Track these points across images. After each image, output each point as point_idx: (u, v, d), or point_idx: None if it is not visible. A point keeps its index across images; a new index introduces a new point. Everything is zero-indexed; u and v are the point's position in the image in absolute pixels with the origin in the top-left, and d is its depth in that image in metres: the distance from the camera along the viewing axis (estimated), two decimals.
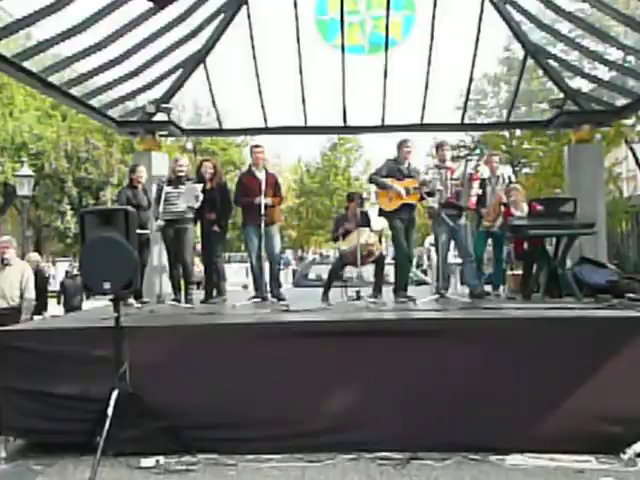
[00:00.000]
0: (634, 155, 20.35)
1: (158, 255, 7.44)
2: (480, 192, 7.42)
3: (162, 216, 7.07)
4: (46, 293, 10.50)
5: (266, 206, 7.17)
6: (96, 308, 7.30)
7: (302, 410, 4.75)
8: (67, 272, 13.86)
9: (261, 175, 7.36)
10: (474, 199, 7.24)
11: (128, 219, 4.74)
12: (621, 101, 10.22)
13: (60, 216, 26.50)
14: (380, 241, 7.33)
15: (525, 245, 7.23)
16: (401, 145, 7.24)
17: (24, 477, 4.39)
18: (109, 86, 9.66)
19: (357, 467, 4.45)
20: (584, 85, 11.10)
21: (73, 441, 4.65)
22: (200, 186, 7.22)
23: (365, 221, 7.33)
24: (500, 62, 26.28)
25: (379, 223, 7.39)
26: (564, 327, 4.96)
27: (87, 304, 12.16)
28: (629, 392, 4.69)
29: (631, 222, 26.08)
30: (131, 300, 7.00)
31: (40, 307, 9.78)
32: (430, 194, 6.99)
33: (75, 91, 9.01)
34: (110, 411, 4.33)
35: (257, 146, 7.66)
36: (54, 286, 12.42)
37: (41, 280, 10.26)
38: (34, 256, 10.33)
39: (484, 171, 7.69)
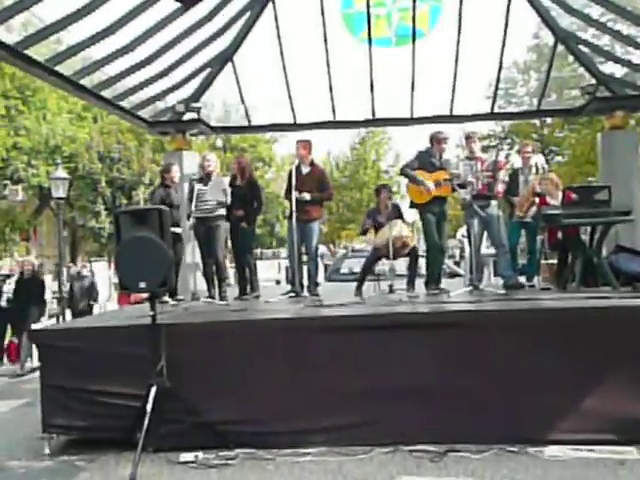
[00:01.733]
0: None
1: (191, 253, 7.51)
2: (507, 179, 7.34)
3: (194, 213, 7.15)
4: (42, 298, 10.70)
5: (305, 201, 7.16)
6: (133, 307, 7.40)
7: (338, 404, 4.76)
8: (72, 274, 14.02)
9: (306, 169, 7.37)
10: (501, 187, 7.17)
11: (162, 218, 4.81)
12: None
13: (94, 216, 26.91)
14: (413, 233, 7.31)
15: (559, 234, 7.14)
16: (434, 137, 7.18)
17: (67, 473, 4.48)
18: (139, 87, 9.79)
19: (394, 460, 4.45)
20: (617, 70, 10.92)
21: (114, 437, 4.74)
22: (226, 180, 7.27)
23: (397, 213, 7.32)
24: (529, 50, 26.00)
25: (410, 215, 7.39)
26: (602, 316, 4.89)
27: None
28: None
29: None
30: (166, 298, 7.08)
31: (34, 314, 10.00)
32: (462, 186, 6.94)
33: (106, 93, 9.15)
34: (149, 407, 4.40)
35: (300, 141, 7.60)
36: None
37: (35, 285, 10.53)
38: (29, 260, 10.64)
39: (515, 161, 7.63)
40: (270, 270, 19.85)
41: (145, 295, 9.94)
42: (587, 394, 4.64)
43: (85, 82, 8.63)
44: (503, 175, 7.20)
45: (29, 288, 10.34)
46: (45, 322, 10.44)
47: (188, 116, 10.31)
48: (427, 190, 6.92)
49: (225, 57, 10.27)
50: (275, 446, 4.68)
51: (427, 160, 7.12)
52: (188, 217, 7.29)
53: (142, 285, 4.68)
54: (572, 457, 4.39)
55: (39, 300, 10.54)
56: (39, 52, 8.80)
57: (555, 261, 7.63)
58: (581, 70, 11.53)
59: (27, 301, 10.15)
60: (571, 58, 12.00)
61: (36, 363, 6.90)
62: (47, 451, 4.92)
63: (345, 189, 37.97)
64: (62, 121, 26.19)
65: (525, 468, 4.21)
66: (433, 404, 4.71)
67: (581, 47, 10.20)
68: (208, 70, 10.33)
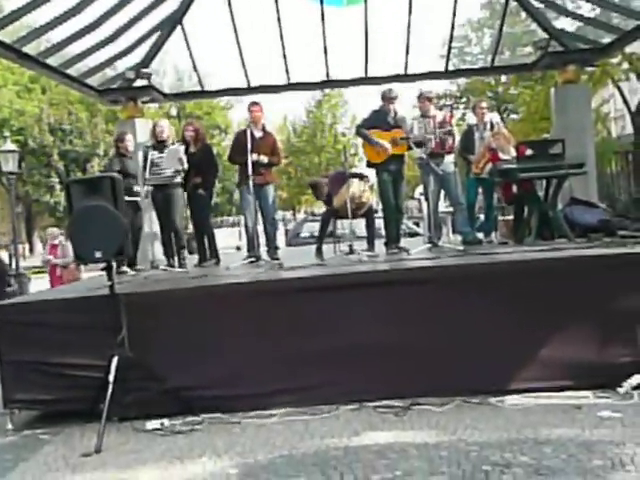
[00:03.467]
0: (621, 94, 20.24)
1: (149, 222, 7.40)
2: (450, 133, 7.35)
3: (150, 181, 7.03)
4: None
5: (260, 165, 7.06)
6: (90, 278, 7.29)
7: (302, 364, 4.78)
8: None
9: (258, 133, 7.26)
10: (451, 141, 7.17)
11: (115, 186, 4.71)
12: (606, 38, 10.11)
13: (49, 191, 26.33)
14: (370, 192, 7.33)
15: (514, 189, 7.22)
16: (386, 95, 7.14)
17: (32, 447, 4.42)
18: (86, 54, 9.50)
19: (359, 417, 4.50)
20: (568, 24, 10.98)
21: (78, 409, 4.69)
22: (182, 148, 7.16)
23: (352, 174, 7.36)
24: (482, 7, 25.98)
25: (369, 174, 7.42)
26: (557, 268, 4.98)
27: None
28: (624, 327, 4.74)
29: (620, 162, 26.12)
30: (125, 268, 6.99)
31: None
32: (418, 144, 6.94)
33: (52, 61, 8.85)
34: (111, 377, 4.36)
35: (254, 103, 7.45)
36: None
37: None
38: None
39: (470, 118, 7.68)
40: (230, 237, 19.70)
41: (77, 273, 9.91)
42: (544, 343, 4.75)
43: (29, 50, 8.33)
44: (450, 128, 7.22)
45: None
46: None
47: (139, 83, 10.08)
48: (384, 150, 6.91)
49: (174, 20, 10.01)
50: (241, 409, 4.68)
51: (382, 119, 7.08)
52: (144, 185, 7.18)
53: (98, 255, 4.59)
54: (532, 404, 4.50)
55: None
56: None
57: (512, 216, 7.74)
58: (534, 26, 11.58)
59: None
60: (524, 14, 12.00)
61: None
62: (10, 426, 4.84)
63: (303, 153, 37.85)
64: (8, 93, 25.37)
65: (487, 418, 4.30)
66: (395, 361, 4.75)
67: (533, 2, 10.21)
68: (157, 34, 10.07)
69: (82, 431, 4.58)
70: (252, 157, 6.93)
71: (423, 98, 7.45)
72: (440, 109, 7.87)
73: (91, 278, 7.38)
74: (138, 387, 4.63)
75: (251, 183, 6.91)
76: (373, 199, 7.33)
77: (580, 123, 9.95)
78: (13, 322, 4.98)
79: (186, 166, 7.13)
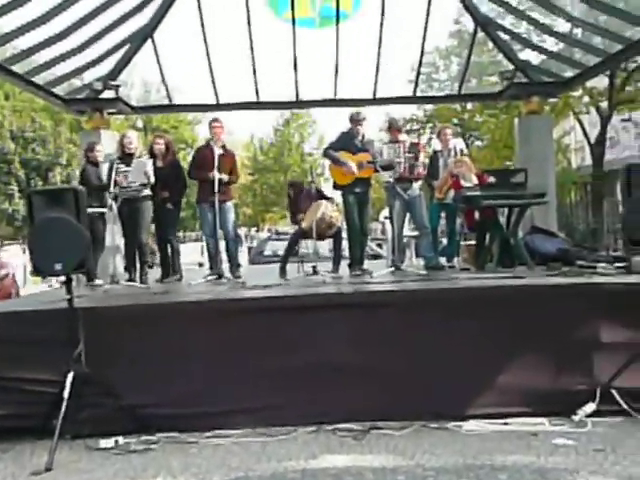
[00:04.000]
0: (582, 126, 20.76)
1: (111, 234, 7.30)
2: (426, 161, 7.50)
3: (114, 194, 6.94)
4: None
5: (221, 182, 7.04)
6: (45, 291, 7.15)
7: (261, 385, 4.75)
8: None
9: (218, 151, 7.25)
10: (421, 168, 7.31)
11: (78, 198, 4.64)
12: (569, 73, 10.37)
13: (7, 198, 25.81)
14: (338, 213, 7.36)
15: (476, 216, 7.33)
16: (353, 118, 7.22)
17: None
18: (54, 62, 9.38)
19: (317, 439, 4.48)
20: (533, 57, 11.22)
21: (30, 425, 4.56)
22: (150, 162, 7.10)
23: (320, 195, 7.39)
24: (451, 35, 26.39)
25: (336, 196, 7.47)
26: (516, 295, 5.06)
27: None
28: (579, 355, 4.82)
29: (579, 192, 26.74)
30: (99, 281, 6.90)
31: None
32: (385, 168, 7.00)
33: (17, 68, 8.71)
34: (66, 393, 4.27)
35: (215, 120, 7.44)
36: None
37: None
38: None
39: (435, 144, 7.81)
40: (193, 253, 19.55)
41: (11, 288, 9.44)
42: (502, 370, 4.80)
43: None
44: (423, 157, 7.35)
45: None
46: None
47: (106, 94, 9.99)
48: (350, 171, 6.96)
49: (145, 34, 9.98)
50: (197, 429, 4.62)
51: (350, 141, 7.15)
52: (109, 197, 7.08)
53: (57, 267, 4.50)
54: (488, 430, 4.53)
55: None
56: None
57: (474, 242, 7.84)
58: (500, 56, 11.83)
59: None
60: (491, 44, 12.25)
61: None
62: None
63: (269, 172, 37.89)
64: None
65: (445, 443, 4.32)
66: (355, 383, 4.75)
67: (500, 34, 10.45)
68: (127, 46, 10.01)
69: (33, 448, 4.45)
70: (215, 175, 6.91)
71: (394, 129, 7.59)
72: (407, 134, 7.98)
73: (43, 292, 7.19)
74: (93, 404, 4.53)
75: (217, 199, 6.90)
76: (340, 220, 7.36)
77: (542, 153, 10.17)
78: None
79: (152, 180, 7.07)
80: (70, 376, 4.34)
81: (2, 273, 9.25)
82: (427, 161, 7.55)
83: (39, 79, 9.45)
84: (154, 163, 7.20)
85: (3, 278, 9.27)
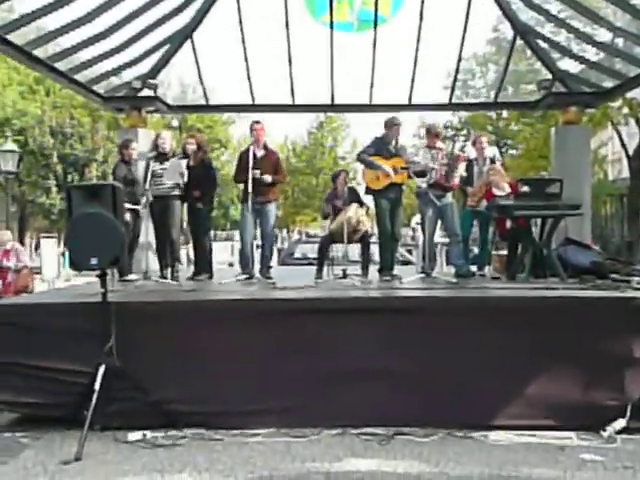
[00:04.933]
0: (620, 137, 20.46)
1: (145, 232, 7.40)
2: (465, 173, 7.45)
3: (149, 192, 7.04)
4: None
5: (261, 182, 7.06)
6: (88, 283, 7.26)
7: (288, 385, 4.78)
8: None
9: (260, 152, 7.30)
10: (457, 180, 7.26)
11: (115, 194, 4.73)
12: (608, 83, 10.22)
13: (45, 192, 26.28)
14: (367, 218, 7.36)
15: (508, 225, 7.28)
16: (389, 123, 7.22)
17: (12, 450, 4.39)
18: (95, 61, 9.52)
19: (342, 442, 4.50)
20: (572, 66, 11.09)
21: (61, 415, 4.68)
22: (184, 162, 7.18)
23: (354, 196, 7.39)
24: (489, 42, 26.26)
25: (367, 201, 7.47)
26: (546, 306, 5.01)
27: None
28: (610, 370, 4.76)
29: (615, 205, 26.34)
30: (131, 276, 7.00)
31: None
32: (419, 174, 6.98)
33: (60, 65, 8.88)
34: (97, 386, 4.35)
35: (257, 122, 7.49)
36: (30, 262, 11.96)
37: None
38: None
39: (470, 152, 7.75)
40: (223, 252, 19.74)
41: (29, 280, 9.56)
42: (530, 381, 4.77)
43: (39, 53, 8.38)
44: (462, 169, 7.30)
45: None
46: None
47: (144, 93, 10.11)
48: (386, 174, 6.97)
49: (184, 34, 10.08)
50: (224, 427, 4.67)
51: (383, 147, 7.17)
52: (143, 195, 7.19)
53: (93, 262, 4.60)
54: (514, 442, 4.51)
55: None
56: None
57: (506, 251, 7.78)
58: (538, 65, 11.72)
59: None
60: (529, 53, 12.14)
61: None
62: None
63: (301, 174, 37.95)
64: (12, 93, 25.41)
65: (470, 452, 4.31)
66: (382, 388, 4.76)
67: (539, 42, 10.34)
68: (166, 47, 10.12)
69: (63, 437, 4.56)
70: (253, 174, 6.96)
71: (432, 135, 7.52)
72: (443, 141, 7.93)
73: (77, 285, 7.30)
74: (123, 397, 4.62)
75: (250, 202, 6.94)
76: (369, 225, 7.36)
77: (578, 164, 10.03)
78: (2, 324, 4.96)
79: (186, 179, 7.16)
80: (102, 369, 4.44)
81: (20, 265, 9.46)
82: (464, 173, 7.47)
83: (80, 77, 9.61)
84: (187, 164, 7.29)
85: (21, 269, 9.49)
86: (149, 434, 4.56)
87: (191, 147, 7.48)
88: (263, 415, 4.76)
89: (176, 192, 7.26)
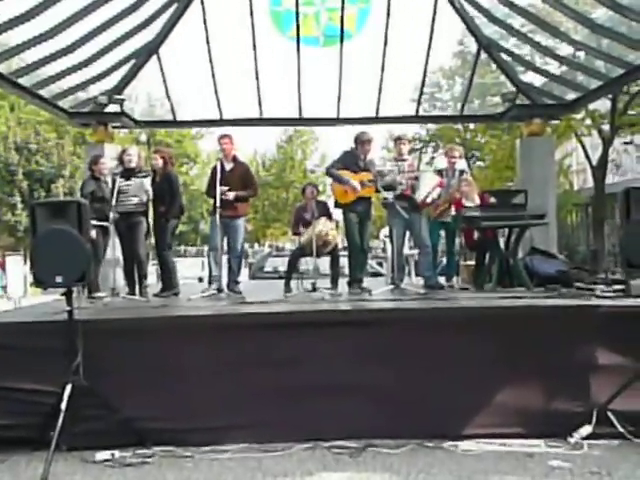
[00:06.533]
0: (584, 148, 20.85)
1: (112, 248, 7.32)
2: (437, 197, 7.47)
3: (115, 209, 6.97)
4: None
5: (227, 199, 7.07)
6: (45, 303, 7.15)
7: (258, 400, 4.76)
8: None
9: (228, 166, 7.28)
10: (429, 200, 7.30)
11: (81, 211, 4.67)
12: (571, 95, 10.43)
13: (10, 209, 25.89)
14: (336, 231, 7.39)
15: (475, 236, 7.37)
16: (359, 139, 7.25)
17: None
18: (60, 76, 9.44)
19: (313, 456, 4.48)
20: (536, 79, 11.29)
21: (26, 436, 4.57)
22: (148, 180, 7.15)
23: (323, 210, 7.42)
24: (454, 56, 26.60)
25: (337, 214, 7.50)
26: (514, 315, 5.07)
27: None
28: (576, 377, 4.83)
29: (580, 214, 26.79)
30: (99, 294, 6.92)
31: None
32: (388, 188, 7.02)
33: (24, 81, 8.79)
34: (63, 405, 4.28)
35: (222, 136, 7.50)
36: None
37: None
38: None
39: (439, 162, 7.84)
40: (193, 268, 19.60)
41: None
42: (498, 390, 4.81)
43: (1, 68, 8.28)
44: (437, 193, 7.35)
45: None
46: None
47: (111, 108, 10.04)
48: (353, 189, 7.00)
49: (150, 49, 10.06)
50: (194, 443, 4.62)
51: (352, 161, 7.20)
52: (109, 211, 7.12)
53: (59, 279, 4.53)
54: (484, 450, 4.54)
55: None
56: None
57: (473, 262, 7.86)
58: (502, 78, 11.91)
59: None
60: (494, 66, 12.35)
61: None
62: None
63: (271, 187, 37.97)
64: None
65: (440, 462, 4.32)
66: (352, 401, 4.76)
67: (503, 55, 10.54)
68: (132, 62, 10.09)
69: (29, 459, 4.45)
70: (221, 190, 6.95)
71: (401, 141, 7.63)
72: (409, 153, 8.01)
73: (43, 303, 7.19)
74: (90, 416, 4.54)
75: (218, 216, 6.94)
76: (339, 238, 7.39)
77: (543, 174, 10.20)
78: None
79: (151, 196, 7.15)
80: (68, 388, 4.36)
81: None
82: (436, 196, 7.48)
83: (45, 92, 9.52)
84: (153, 178, 7.25)
85: None
86: (117, 453, 4.48)
87: (156, 163, 7.44)
88: (233, 431, 4.72)
89: (141, 209, 7.20)
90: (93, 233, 6.89)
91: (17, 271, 16.67)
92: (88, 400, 4.48)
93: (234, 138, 7.51)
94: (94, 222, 6.78)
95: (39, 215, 4.70)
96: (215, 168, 7.29)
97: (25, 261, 18.31)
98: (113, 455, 4.46)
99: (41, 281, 4.75)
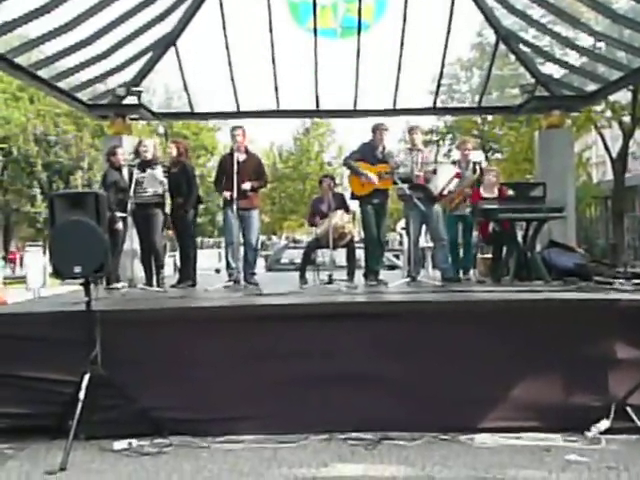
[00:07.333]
0: (603, 140, 20.63)
1: (129, 239, 7.37)
2: (452, 189, 7.43)
3: (132, 200, 7.01)
4: None
5: (243, 190, 7.08)
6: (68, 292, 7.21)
7: (274, 391, 4.77)
8: None
9: (241, 157, 7.30)
10: (445, 192, 7.27)
11: (99, 202, 4.71)
12: (591, 87, 10.32)
13: (30, 201, 26.14)
14: (352, 223, 7.38)
15: (490, 228, 7.31)
16: (376, 129, 7.25)
17: None
18: (78, 68, 9.49)
19: (329, 447, 4.49)
20: (555, 71, 11.18)
21: (45, 425, 4.62)
22: (160, 170, 7.17)
23: (340, 202, 7.40)
24: (473, 47, 26.37)
25: (353, 206, 7.49)
26: (531, 309, 5.04)
27: None
28: (594, 371, 4.79)
29: (600, 207, 26.55)
30: (117, 284, 6.98)
31: None
32: (404, 180, 7.00)
33: (43, 73, 8.85)
34: (82, 395, 4.32)
35: (235, 128, 7.51)
36: (17, 272, 11.98)
37: None
38: None
39: (455, 154, 7.81)
40: (210, 259, 19.67)
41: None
42: (515, 384, 4.79)
43: (21, 60, 8.33)
44: (454, 185, 7.31)
45: None
46: None
47: (129, 100, 10.08)
48: (369, 181, 6.99)
49: (168, 41, 10.08)
50: (210, 434, 4.65)
51: (370, 152, 7.19)
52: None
53: (77, 270, 4.57)
54: (500, 444, 4.52)
55: None
56: None
57: (490, 255, 7.82)
58: (521, 69, 11.80)
59: None
60: (512, 57, 12.22)
61: None
62: None
63: (288, 179, 37.96)
64: None
65: (456, 455, 4.31)
66: (368, 393, 4.76)
67: (522, 47, 10.43)
68: (150, 54, 10.12)
69: (48, 448, 4.50)
70: (236, 180, 6.96)
71: (414, 130, 7.60)
72: (425, 145, 7.99)
73: (62, 294, 7.24)
74: (108, 405, 4.58)
75: (235, 207, 6.95)
76: (355, 230, 7.39)
77: (562, 167, 10.10)
78: None
79: (167, 187, 7.18)
80: (86, 377, 4.40)
81: None
82: (453, 188, 7.43)
83: (63, 84, 9.58)
84: (169, 169, 7.28)
85: None
86: (135, 442, 4.53)
87: (170, 152, 7.49)
88: (249, 421, 4.74)
89: (157, 200, 7.24)
90: (120, 225, 6.99)
91: (36, 262, 16.80)
92: (106, 390, 4.52)
93: (245, 130, 7.52)
94: (118, 214, 6.88)
95: (58, 206, 4.74)
96: (225, 160, 7.31)
97: (44, 252, 18.49)
98: (130, 444, 4.51)
99: (60, 272, 4.79)
